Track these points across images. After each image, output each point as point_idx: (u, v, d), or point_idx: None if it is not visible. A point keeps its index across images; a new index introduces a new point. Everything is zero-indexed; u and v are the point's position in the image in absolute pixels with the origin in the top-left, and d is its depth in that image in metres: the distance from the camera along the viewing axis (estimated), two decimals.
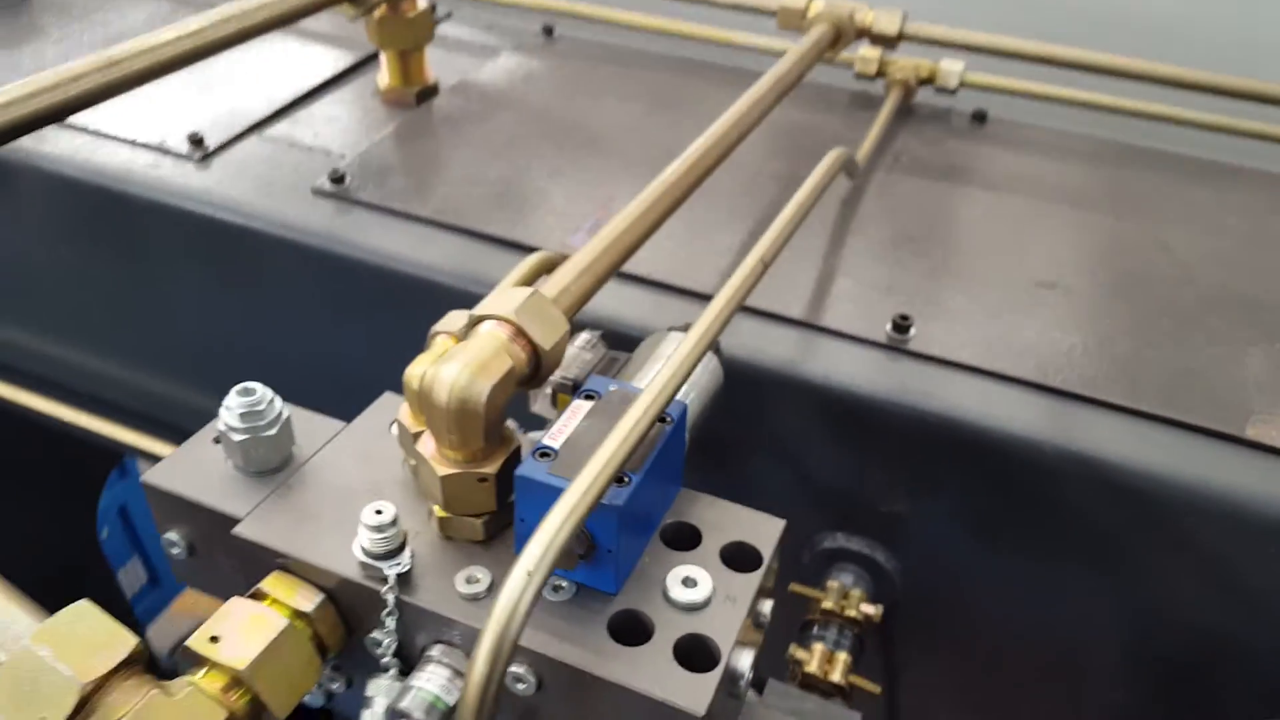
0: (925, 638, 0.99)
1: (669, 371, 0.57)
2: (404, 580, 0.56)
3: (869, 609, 0.86)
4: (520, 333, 0.58)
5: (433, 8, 1.28)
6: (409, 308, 1.01)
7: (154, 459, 1.36)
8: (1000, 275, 1.00)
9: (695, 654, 0.53)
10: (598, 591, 0.56)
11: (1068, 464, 0.81)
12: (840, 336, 0.91)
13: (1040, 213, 1.11)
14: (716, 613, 0.55)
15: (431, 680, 0.54)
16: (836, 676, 0.81)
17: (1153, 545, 0.83)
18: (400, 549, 0.56)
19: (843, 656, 0.83)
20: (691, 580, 0.56)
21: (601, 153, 1.18)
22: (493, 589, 0.56)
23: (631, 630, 0.54)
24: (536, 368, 0.59)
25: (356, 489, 0.62)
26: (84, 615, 0.48)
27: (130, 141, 1.16)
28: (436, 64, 1.32)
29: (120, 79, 0.82)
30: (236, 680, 0.52)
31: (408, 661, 0.58)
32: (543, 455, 0.55)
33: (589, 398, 0.60)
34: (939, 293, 0.97)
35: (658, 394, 0.55)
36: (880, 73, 1.34)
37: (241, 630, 0.53)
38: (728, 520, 0.61)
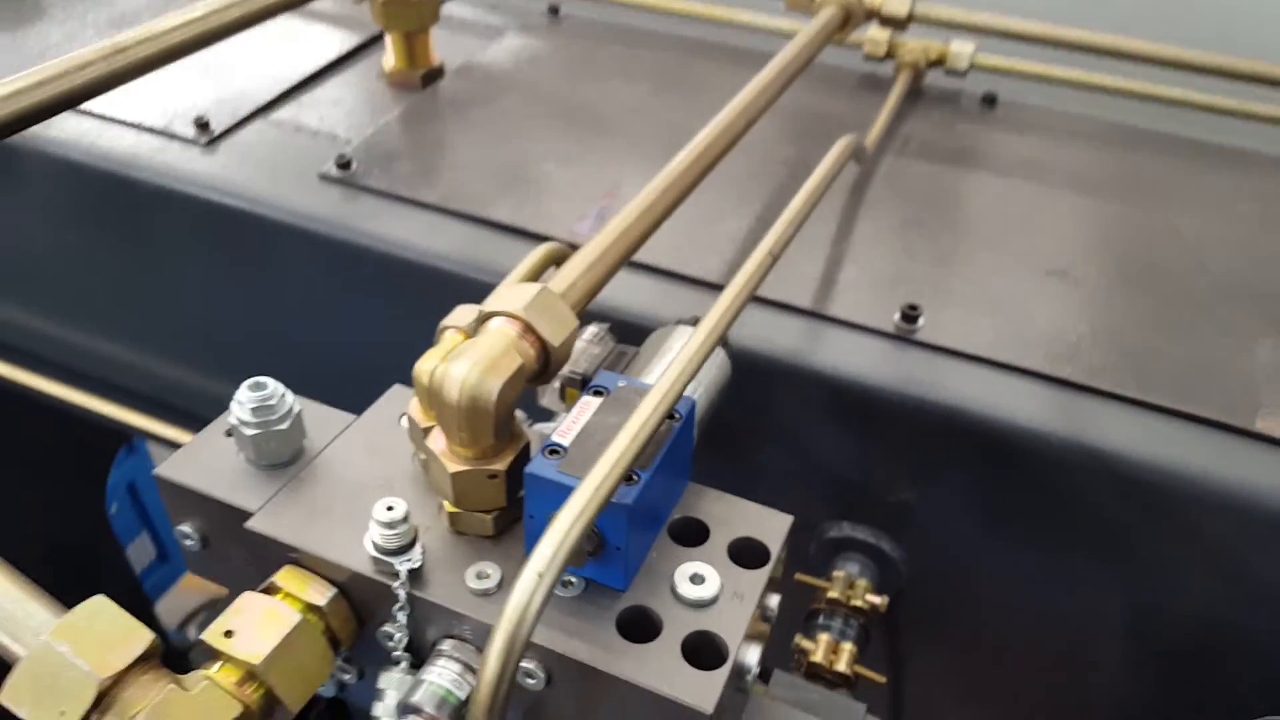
0: (930, 628, 1.00)
1: (678, 368, 0.57)
2: (415, 576, 0.56)
3: (875, 599, 0.86)
4: (529, 329, 0.58)
5: None
6: (416, 295, 1.02)
7: (161, 441, 1.37)
8: (1010, 263, 1.00)
9: (703, 651, 0.54)
10: (606, 587, 0.57)
11: (1075, 455, 0.82)
12: (848, 326, 0.91)
13: (1050, 198, 1.11)
14: (724, 610, 0.56)
15: (443, 674, 0.55)
16: (842, 666, 0.82)
17: (1160, 537, 0.83)
18: (411, 544, 0.57)
19: (848, 647, 0.83)
20: (699, 577, 0.57)
21: (608, 135, 1.18)
22: (502, 585, 0.56)
23: (640, 626, 0.55)
24: (545, 364, 0.59)
25: (367, 483, 0.62)
26: (101, 611, 0.49)
27: (136, 125, 1.16)
28: (441, 44, 1.31)
29: (127, 67, 0.81)
30: (251, 674, 0.53)
31: (418, 654, 0.58)
32: (552, 453, 0.55)
33: (598, 393, 0.60)
34: (947, 281, 0.96)
35: (667, 391, 0.55)
36: (889, 54, 1.33)
37: (255, 625, 0.54)
38: (735, 515, 0.62)
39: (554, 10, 1.48)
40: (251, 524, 0.59)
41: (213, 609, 2.64)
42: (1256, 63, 1.13)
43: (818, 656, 0.83)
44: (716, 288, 0.95)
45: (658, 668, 0.52)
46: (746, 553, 0.59)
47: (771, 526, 0.61)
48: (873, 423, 0.89)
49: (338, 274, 1.06)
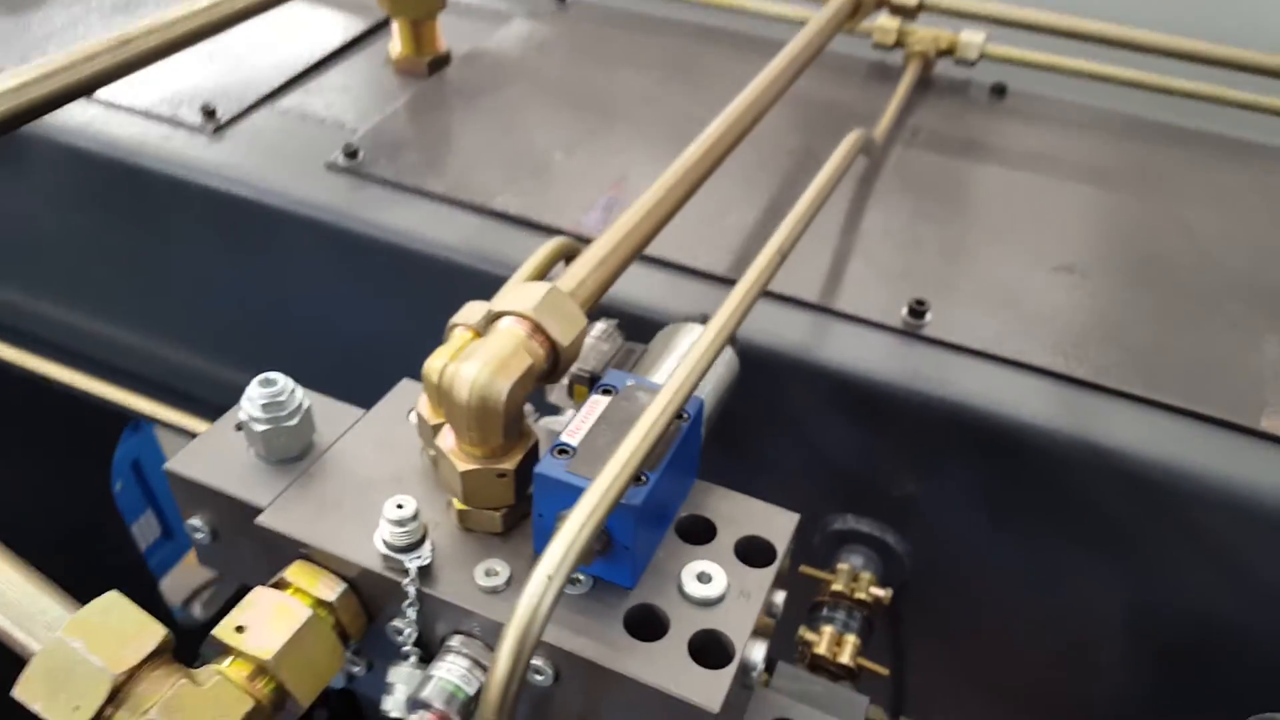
0: (934, 621, 1.00)
1: (686, 368, 0.57)
2: (424, 572, 0.57)
3: (879, 591, 0.87)
4: (538, 329, 0.58)
5: None
6: (422, 285, 1.02)
7: (165, 425, 1.37)
8: (1018, 257, 0.99)
9: (709, 650, 0.54)
10: (614, 585, 0.57)
11: (1080, 453, 0.82)
12: (856, 321, 0.91)
13: (1059, 191, 1.10)
14: (731, 608, 0.56)
15: (451, 670, 0.55)
16: (845, 659, 0.83)
17: (1164, 535, 0.84)
18: (421, 541, 0.57)
19: (852, 639, 0.84)
20: (706, 575, 0.57)
21: (616, 124, 1.17)
22: (511, 582, 0.57)
23: (647, 625, 0.55)
24: (555, 364, 0.59)
25: (377, 478, 0.63)
26: (114, 606, 0.50)
27: (143, 113, 1.15)
28: (447, 29, 1.31)
29: (134, 57, 0.81)
30: (262, 669, 0.53)
31: (427, 649, 0.59)
32: (561, 452, 0.56)
33: (606, 392, 0.61)
34: (955, 275, 0.96)
35: (676, 391, 0.56)
36: (899, 43, 1.32)
37: (266, 620, 0.54)
38: (741, 514, 0.62)
39: None
40: (262, 520, 0.60)
41: (218, 587, 2.67)
42: (1269, 55, 1.12)
43: (821, 649, 0.84)
44: (724, 281, 0.95)
45: (664, 666, 0.53)
46: (753, 551, 0.60)
47: (778, 525, 0.61)
48: (879, 417, 0.89)
49: (343, 263, 1.06)
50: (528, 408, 0.62)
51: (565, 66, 1.30)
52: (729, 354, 0.74)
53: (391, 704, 0.58)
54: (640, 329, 0.80)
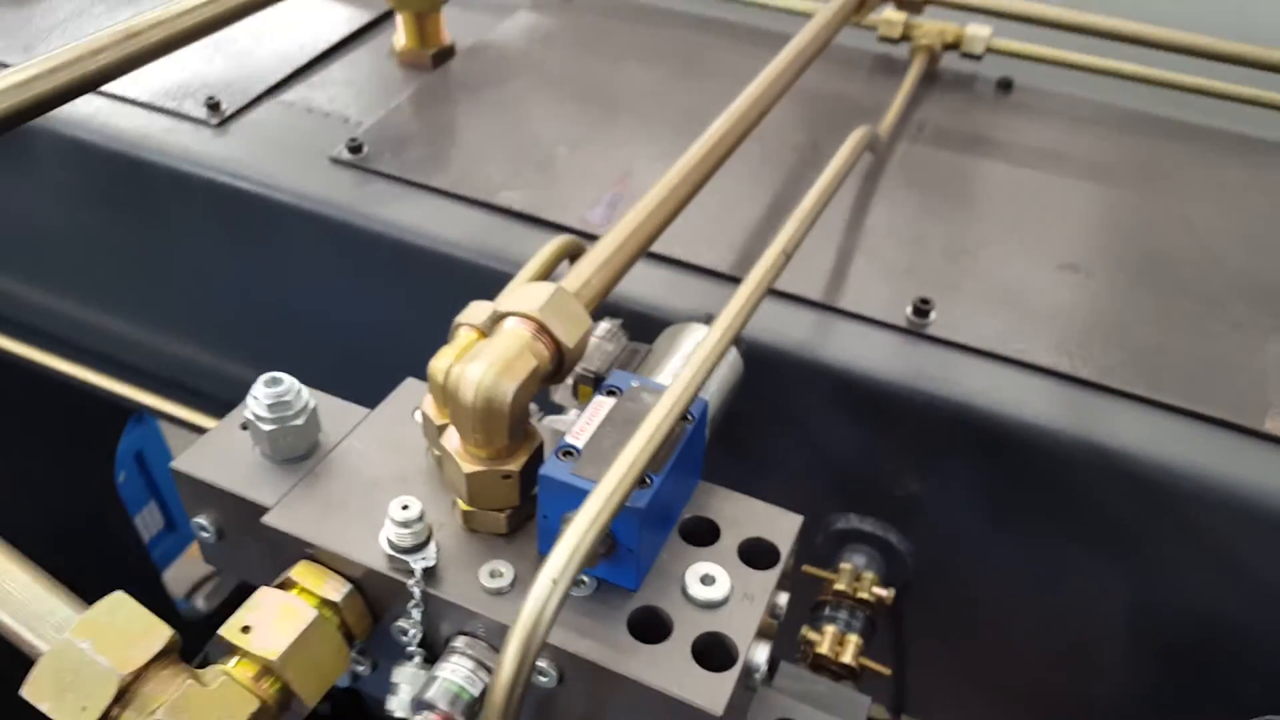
0: (936, 621, 1.01)
1: (691, 370, 0.57)
2: (429, 573, 0.57)
3: (881, 591, 0.87)
4: (544, 330, 0.58)
5: None
6: (426, 281, 1.02)
7: (167, 417, 1.37)
8: (1022, 255, 0.99)
9: (713, 652, 0.54)
10: (618, 587, 0.57)
11: (1084, 453, 0.82)
12: (860, 320, 0.91)
13: (1065, 188, 1.10)
14: (734, 611, 0.56)
15: (456, 671, 0.55)
16: (848, 658, 0.83)
17: (1166, 536, 0.84)
18: (426, 542, 0.57)
19: (854, 639, 0.84)
20: (710, 578, 0.57)
21: (621, 118, 1.17)
22: (515, 584, 0.57)
23: (651, 627, 0.56)
24: (560, 364, 0.59)
25: (382, 478, 0.63)
26: (121, 607, 0.50)
27: (148, 105, 1.15)
28: (452, 22, 1.30)
29: (140, 51, 0.80)
30: (268, 669, 0.53)
31: (432, 649, 0.59)
32: (566, 454, 0.56)
33: (611, 394, 0.61)
34: (960, 274, 0.96)
35: (680, 393, 0.56)
36: (905, 36, 1.31)
37: (272, 620, 0.55)
38: (745, 515, 0.62)
39: None
40: (268, 519, 0.60)
41: (221, 578, 2.68)
42: (1274, 50, 1.11)
43: (824, 648, 0.84)
44: (728, 278, 0.94)
45: (668, 668, 0.53)
46: (757, 553, 0.60)
47: (781, 526, 0.61)
48: (882, 416, 0.89)
49: (346, 258, 1.06)
50: (532, 407, 0.62)
51: (570, 60, 1.30)
52: (733, 355, 0.74)
53: (396, 704, 0.58)
54: (644, 326, 0.80)
